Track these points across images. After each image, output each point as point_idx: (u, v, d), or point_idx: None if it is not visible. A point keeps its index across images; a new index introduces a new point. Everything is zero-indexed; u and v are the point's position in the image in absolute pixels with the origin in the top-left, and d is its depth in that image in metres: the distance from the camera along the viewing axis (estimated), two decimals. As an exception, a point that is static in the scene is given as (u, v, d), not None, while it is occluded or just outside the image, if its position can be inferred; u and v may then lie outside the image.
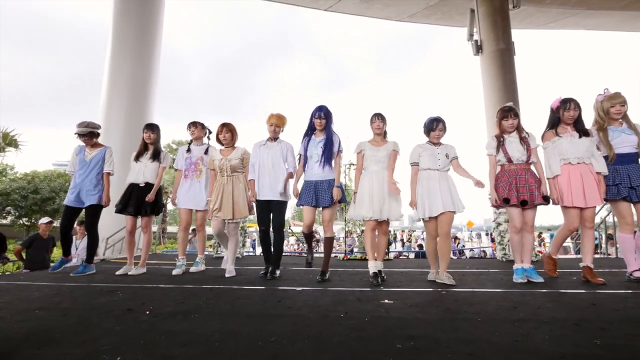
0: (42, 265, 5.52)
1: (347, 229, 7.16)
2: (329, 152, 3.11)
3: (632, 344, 1.36)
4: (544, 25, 14.08)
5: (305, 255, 3.60)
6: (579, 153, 2.81)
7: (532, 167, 2.94)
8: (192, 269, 3.64)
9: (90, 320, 1.81)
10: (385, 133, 3.19)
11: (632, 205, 2.80)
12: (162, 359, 1.25)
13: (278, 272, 3.24)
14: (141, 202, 3.59)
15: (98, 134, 3.81)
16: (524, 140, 2.92)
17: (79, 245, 5.84)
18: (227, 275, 3.33)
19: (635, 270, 2.80)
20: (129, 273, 3.53)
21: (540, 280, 2.81)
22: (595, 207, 2.83)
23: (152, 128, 3.77)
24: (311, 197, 3.08)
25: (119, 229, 6.72)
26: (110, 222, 5.98)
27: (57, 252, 8.42)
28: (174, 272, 3.46)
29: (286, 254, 10.56)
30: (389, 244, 14.32)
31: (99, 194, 3.62)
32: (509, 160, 2.92)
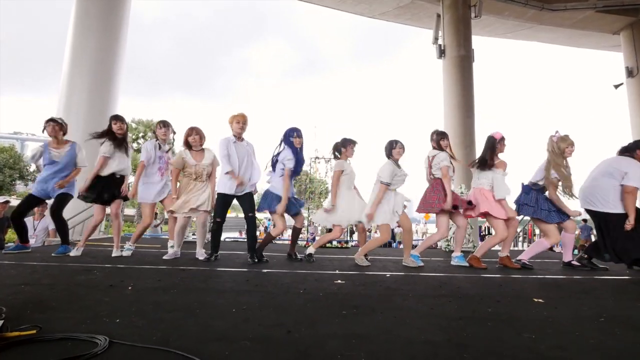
0: (-4, 245, 5.40)
1: (309, 217, 7.56)
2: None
3: (510, 311, 1.86)
4: (503, 34, 15.12)
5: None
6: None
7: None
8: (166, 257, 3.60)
9: (78, 293, 2.04)
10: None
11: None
12: (154, 321, 1.54)
13: (265, 258, 3.54)
14: (112, 191, 3.66)
15: (66, 132, 3.81)
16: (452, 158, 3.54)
17: (37, 226, 5.75)
18: (200, 258, 3.53)
19: (523, 260, 3.51)
20: (71, 254, 3.60)
21: (465, 264, 3.53)
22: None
23: (123, 120, 3.77)
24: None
25: (78, 212, 6.65)
26: (69, 205, 5.90)
27: (11, 233, 8.08)
28: (124, 254, 3.64)
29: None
30: (352, 233, 15.01)
31: (72, 187, 3.75)
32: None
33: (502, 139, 3.56)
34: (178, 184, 3.62)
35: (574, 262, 3.51)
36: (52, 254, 3.59)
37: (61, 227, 3.77)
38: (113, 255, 3.64)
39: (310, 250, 3.69)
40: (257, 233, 3.83)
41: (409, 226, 3.54)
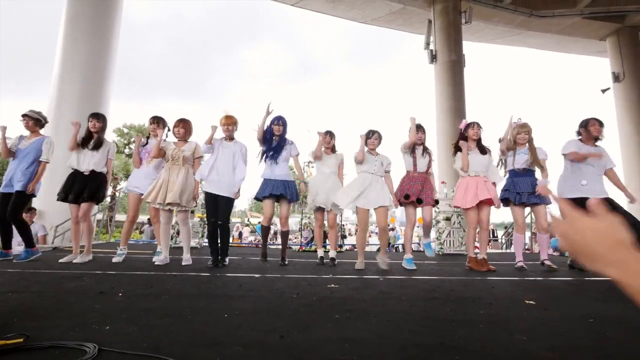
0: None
1: (303, 221, 7.54)
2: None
3: (502, 313, 1.87)
4: (493, 40, 15.36)
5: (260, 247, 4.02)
6: (477, 168, 3.56)
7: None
8: (156, 261, 3.55)
9: (66, 301, 2.00)
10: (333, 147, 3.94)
11: (527, 208, 3.61)
12: (145, 328, 1.52)
13: (227, 260, 3.55)
14: (83, 189, 3.55)
15: (43, 125, 3.78)
16: (427, 153, 3.67)
17: (25, 233, 5.63)
18: (183, 263, 3.49)
19: (519, 261, 3.55)
20: (74, 261, 3.53)
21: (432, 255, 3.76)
22: (489, 209, 3.55)
23: (98, 117, 3.75)
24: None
25: (69, 217, 6.53)
26: (59, 210, 5.81)
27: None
28: (114, 260, 3.57)
29: (243, 244, 10.75)
30: (343, 237, 15.02)
31: (25, 182, 3.54)
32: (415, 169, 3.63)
33: (467, 125, 3.72)
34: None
35: (547, 262, 3.47)
36: (14, 261, 3.47)
37: (21, 229, 3.60)
38: (75, 261, 3.51)
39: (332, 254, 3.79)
40: (231, 239, 3.87)
41: (383, 224, 3.59)
